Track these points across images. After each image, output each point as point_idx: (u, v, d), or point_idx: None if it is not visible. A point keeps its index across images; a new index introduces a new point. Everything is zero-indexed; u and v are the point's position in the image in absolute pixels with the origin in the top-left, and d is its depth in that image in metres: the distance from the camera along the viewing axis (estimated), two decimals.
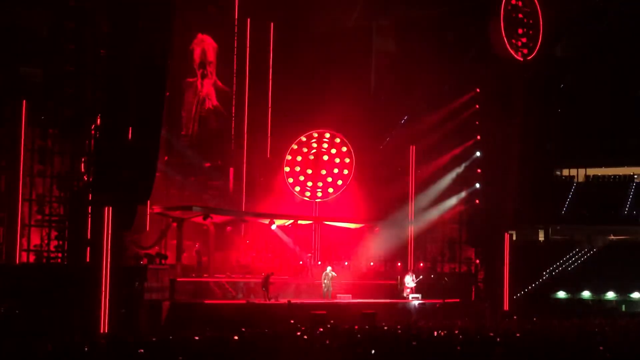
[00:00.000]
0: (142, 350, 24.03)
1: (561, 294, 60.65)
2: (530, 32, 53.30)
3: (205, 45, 50.29)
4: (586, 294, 59.98)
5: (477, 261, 53.35)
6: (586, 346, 27.05)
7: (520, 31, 53.01)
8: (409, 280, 47.36)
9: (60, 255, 39.04)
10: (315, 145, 52.15)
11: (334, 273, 45.11)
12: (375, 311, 40.27)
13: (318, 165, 52.15)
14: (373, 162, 54.44)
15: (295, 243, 49.72)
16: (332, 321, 36.10)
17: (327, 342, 26.50)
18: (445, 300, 46.36)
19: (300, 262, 49.51)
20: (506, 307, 51.45)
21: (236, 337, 27.05)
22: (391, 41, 63.42)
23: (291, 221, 48.61)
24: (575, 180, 75.75)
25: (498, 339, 28.13)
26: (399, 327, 34.14)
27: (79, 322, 34.42)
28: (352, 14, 60.87)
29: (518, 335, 30.39)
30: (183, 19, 47.29)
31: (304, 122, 53.52)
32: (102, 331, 34.42)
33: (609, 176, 75.07)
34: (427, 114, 54.22)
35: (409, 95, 56.73)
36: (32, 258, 39.99)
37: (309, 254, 49.82)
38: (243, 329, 30.64)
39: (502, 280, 52.01)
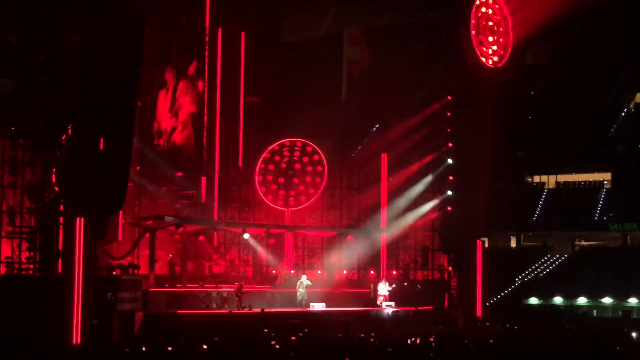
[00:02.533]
0: None
1: (533, 300, 60.95)
2: (501, 39, 53.67)
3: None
4: (558, 299, 60.30)
5: (450, 268, 53.55)
6: (559, 352, 27.20)
7: (490, 39, 53.33)
8: (383, 288, 47.42)
9: (31, 266, 38.77)
10: (287, 153, 52.15)
11: (309, 282, 45.11)
12: (349, 319, 40.27)
13: (290, 174, 52.14)
14: (345, 170, 54.57)
15: (268, 252, 49.72)
16: (306, 330, 36.07)
17: (302, 350, 26.49)
18: (418, 308, 46.45)
19: (274, 271, 49.50)
20: (479, 313, 51.67)
21: (205, 347, 26.97)
22: (362, 50, 63.71)
23: (264, 230, 48.59)
24: (546, 186, 76.14)
25: (471, 346, 28.22)
26: (372, 334, 34.19)
27: (51, 333, 34.20)
28: (323, 23, 61.08)
29: (491, 341, 30.49)
30: (153, 29, 47.31)
31: (276, 131, 53.58)
32: (74, 342, 34.21)
33: (579, 182, 75.52)
34: (398, 122, 54.48)
35: (381, 103, 56.98)
36: (3, 270, 39.67)
37: (282, 263, 49.79)
38: (216, 339, 30.57)
39: (475, 287, 52.24)
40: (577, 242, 70.80)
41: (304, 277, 45.44)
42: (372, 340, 31.38)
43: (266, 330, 35.16)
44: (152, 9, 45.23)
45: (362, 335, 33.42)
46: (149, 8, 41.97)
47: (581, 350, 27.51)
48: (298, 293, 44.70)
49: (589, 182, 75.08)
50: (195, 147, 49.91)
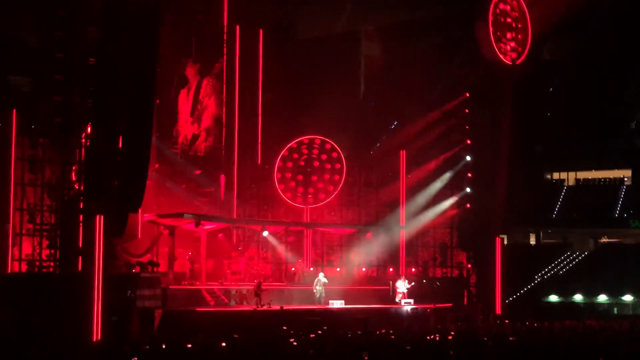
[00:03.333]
0: (136, 359, 24.00)
1: (553, 298, 60.73)
2: (519, 36, 53.45)
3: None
4: (578, 297, 60.07)
5: (469, 265, 53.43)
6: (578, 349, 27.10)
7: (508, 35, 53.13)
8: (401, 286, 47.34)
9: (52, 264, 39.01)
10: (305, 151, 52.12)
11: (325, 279, 45.11)
12: (368, 317, 40.25)
13: (309, 172, 52.12)
14: (364, 168, 54.52)
15: (287, 249, 49.76)
16: (325, 327, 36.09)
17: (320, 348, 26.50)
18: (437, 305, 46.37)
19: (293, 269, 49.52)
20: (498, 311, 51.49)
21: (224, 344, 27.00)
22: (379, 46, 63.63)
23: (283, 227, 48.61)
24: (566, 183, 75.90)
25: (490, 343, 28.17)
26: (391, 332, 34.18)
27: (71, 330, 34.34)
28: (340, 20, 61.06)
29: (511, 338, 30.42)
30: (173, 27, 47.40)
31: (294, 129, 53.56)
32: (94, 340, 34.33)
33: (599, 179, 75.25)
34: (416, 119, 54.34)
35: (399, 100, 56.86)
36: (24, 267, 39.95)
37: (300, 260, 49.83)
38: (235, 336, 30.61)
39: (494, 284, 52.07)
40: (597, 239, 70.52)
41: (321, 275, 45.44)
42: (392, 337, 31.38)
43: (285, 328, 35.18)
44: (169, 7, 45.28)
45: (382, 331, 33.43)
46: (166, 6, 42.00)
47: (601, 347, 27.40)
48: (315, 290, 44.70)
49: (609, 178, 74.79)
50: (214, 145, 49.99)
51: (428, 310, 45.75)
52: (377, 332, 34.27)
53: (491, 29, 51.75)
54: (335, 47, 60.18)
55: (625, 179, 73.75)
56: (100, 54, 36.82)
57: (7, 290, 37.72)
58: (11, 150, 39.98)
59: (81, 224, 37.45)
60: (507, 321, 45.93)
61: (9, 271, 39.42)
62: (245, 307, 41.13)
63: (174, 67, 49.44)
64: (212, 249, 47.45)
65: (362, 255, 51.58)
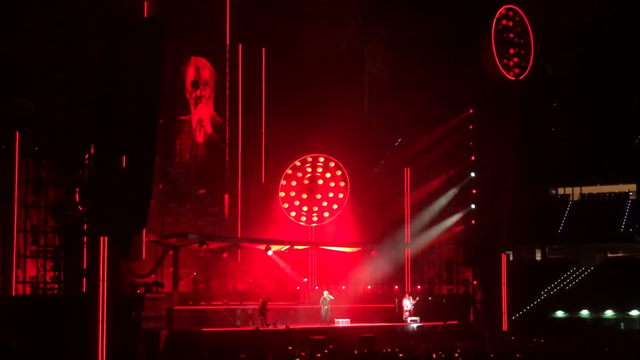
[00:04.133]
0: None
1: (560, 313, 60.47)
2: (522, 51, 53.42)
3: (200, 66, 50.21)
4: (585, 312, 59.80)
5: (475, 282, 53.24)
6: None
7: (511, 51, 53.12)
8: (407, 303, 47.24)
9: (56, 286, 38.87)
10: (309, 169, 52.12)
11: (331, 297, 44.97)
12: (374, 335, 40.09)
13: (313, 190, 52.11)
14: (368, 185, 54.47)
15: (292, 268, 49.63)
16: (331, 346, 35.95)
17: None
18: (447, 322, 46.17)
19: (298, 288, 49.38)
20: (505, 327, 51.30)
21: None
22: (383, 64, 63.61)
23: (287, 246, 48.53)
24: (571, 198, 75.71)
25: None
26: (397, 350, 34.02)
27: (76, 353, 34.23)
28: (343, 37, 61.04)
29: (517, 355, 30.27)
30: (174, 47, 47.41)
31: (298, 147, 53.55)
32: None
33: (604, 194, 75.06)
34: (420, 136, 54.30)
35: (403, 117, 56.80)
36: (28, 289, 39.82)
37: (306, 279, 49.68)
38: (242, 356, 30.51)
39: (501, 301, 51.88)
40: (603, 254, 70.27)
41: (325, 293, 45.30)
42: (399, 355, 31.23)
43: (290, 348, 35.05)
44: (172, 27, 45.31)
45: (389, 350, 33.29)
46: (169, 26, 42.00)
47: None
48: (322, 309, 44.56)
49: (614, 193, 74.59)
50: (217, 164, 49.92)
51: (439, 328, 45.53)
52: (384, 350, 34.12)
53: (494, 45, 51.76)
54: (338, 65, 60.11)
55: (631, 193, 73.57)
56: (103, 74, 36.79)
57: (11, 313, 37.59)
58: (14, 172, 39.94)
59: (85, 246, 37.33)
60: (513, 338, 45.78)
61: (14, 293, 39.30)
62: (251, 327, 40.98)
63: (177, 85, 49.41)
64: (217, 268, 47.36)
65: (368, 273, 51.45)
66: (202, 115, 50.38)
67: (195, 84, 50.03)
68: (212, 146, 50.53)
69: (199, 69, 50.34)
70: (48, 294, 38.97)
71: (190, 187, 49.15)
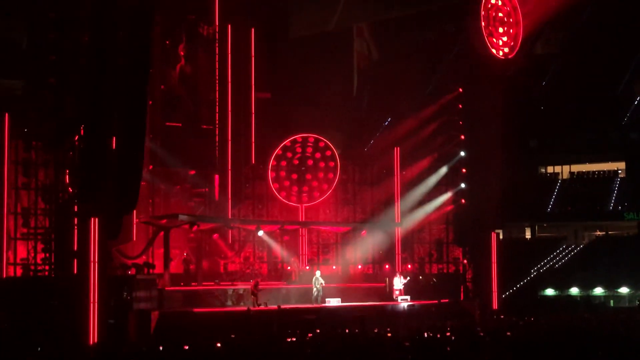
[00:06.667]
0: None
1: (549, 291, 60.79)
2: (511, 30, 53.42)
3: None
4: (574, 290, 60.13)
5: (465, 261, 53.39)
6: (575, 342, 27.09)
7: (500, 29, 53.12)
8: (398, 282, 47.33)
9: (47, 267, 38.94)
10: (299, 149, 52.07)
11: (322, 280, 44.98)
12: (365, 314, 40.20)
13: (303, 170, 52.09)
14: (358, 165, 54.44)
15: (283, 248, 49.69)
16: (322, 326, 36.05)
17: (318, 347, 26.46)
18: (441, 301, 46.33)
19: (289, 267, 49.48)
20: (495, 305, 51.52)
21: (219, 345, 26.93)
22: (372, 43, 63.65)
23: (278, 227, 48.55)
24: (560, 177, 75.97)
25: (487, 338, 28.14)
26: (388, 329, 34.14)
27: (67, 334, 34.31)
28: (332, 17, 61.01)
29: (508, 333, 30.40)
30: (162, 27, 47.24)
31: (288, 127, 53.50)
32: (91, 342, 34.30)
33: (593, 172, 75.35)
34: (410, 115, 54.30)
35: (392, 96, 56.83)
36: (19, 271, 39.87)
37: (295, 259, 49.74)
38: (232, 336, 30.58)
39: (491, 279, 52.07)
40: (592, 232, 70.59)
41: (318, 273, 45.39)
42: (388, 335, 31.34)
43: (281, 328, 35.16)
44: (161, 7, 45.14)
45: (378, 330, 33.39)
46: (158, 7, 41.87)
47: (598, 340, 27.38)
48: (314, 289, 44.67)
49: (603, 171, 74.88)
50: (207, 145, 49.83)
51: (433, 308, 45.65)
52: (375, 330, 34.24)
53: (483, 24, 51.70)
54: (327, 45, 60.18)
55: (620, 171, 73.86)
56: (92, 55, 36.70)
57: (2, 295, 37.66)
58: (4, 154, 39.90)
59: (76, 227, 37.37)
60: (503, 316, 46.00)
61: (4, 275, 39.34)
62: (242, 308, 41.07)
63: (166, 66, 49.23)
64: (208, 249, 47.41)
65: (358, 253, 51.55)
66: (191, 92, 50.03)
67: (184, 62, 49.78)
68: (201, 126, 50.29)
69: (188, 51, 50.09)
70: (39, 276, 39.04)
71: (180, 168, 49.06)
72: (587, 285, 59.86)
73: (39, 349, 28.95)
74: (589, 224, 70.65)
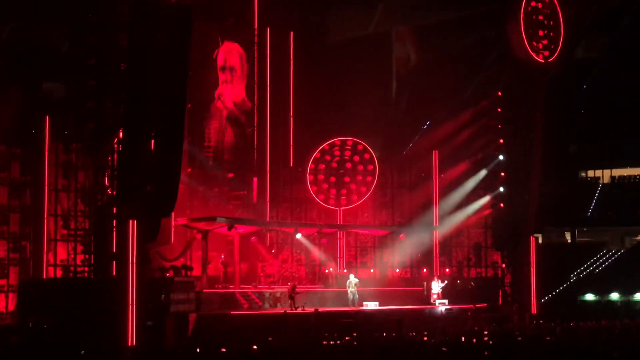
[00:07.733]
0: None
1: (589, 297, 60.24)
2: (551, 33, 53.00)
3: (229, 51, 50.18)
4: (614, 295, 59.53)
5: (503, 265, 53.09)
6: (615, 347, 26.84)
7: (540, 33, 52.71)
8: (435, 286, 47.20)
9: (86, 269, 39.21)
10: (337, 153, 52.09)
11: (356, 280, 44.95)
12: (402, 318, 40.14)
13: (341, 173, 52.09)
14: (396, 168, 54.37)
15: (321, 251, 49.70)
16: (359, 329, 36.00)
17: (355, 350, 26.45)
18: (477, 305, 46.10)
19: (327, 271, 49.46)
20: (534, 310, 51.16)
21: (255, 347, 26.93)
22: (411, 47, 63.47)
23: (316, 230, 48.57)
24: (601, 181, 75.35)
25: (526, 344, 27.98)
26: (425, 333, 34.05)
27: (106, 335, 34.48)
28: (371, 21, 60.96)
29: (547, 339, 30.20)
30: (202, 32, 47.43)
31: (326, 130, 53.54)
32: (129, 344, 34.47)
33: (635, 176, 74.64)
34: (449, 119, 54.13)
35: (431, 100, 56.67)
36: (59, 273, 40.22)
37: (333, 262, 49.72)
38: (269, 339, 30.60)
39: (529, 284, 51.73)
40: (633, 237, 69.91)
41: (351, 276, 45.31)
42: (425, 339, 31.25)
43: (319, 330, 35.14)
44: (200, 11, 45.33)
45: (415, 334, 33.31)
46: (197, 11, 42.04)
47: (638, 346, 27.11)
48: (349, 292, 44.60)
49: None
50: (246, 148, 50.01)
51: (469, 313, 45.45)
52: (412, 333, 34.15)
53: (523, 27, 51.35)
54: (366, 49, 60.03)
55: None
56: (131, 59, 36.91)
57: (42, 296, 37.99)
58: (45, 156, 40.30)
59: (115, 229, 37.57)
60: (542, 321, 45.67)
61: (45, 276, 39.70)
62: (279, 310, 41.11)
63: (205, 70, 49.44)
64: (246, 252, 47.48)
65: (396, 256, 51.49)
66: (227, 99, 50.24)
67: (223, 69, 50.04)
68: (240, 130, 50.52)
69: (228, 53, 50.29)
70: (78, 277, 39.32)
71: (219, 171, 49.25)
72: (627, 291, 59.23)
73: (78, 350, 29.09)
74: (630, 229, 69.94)
